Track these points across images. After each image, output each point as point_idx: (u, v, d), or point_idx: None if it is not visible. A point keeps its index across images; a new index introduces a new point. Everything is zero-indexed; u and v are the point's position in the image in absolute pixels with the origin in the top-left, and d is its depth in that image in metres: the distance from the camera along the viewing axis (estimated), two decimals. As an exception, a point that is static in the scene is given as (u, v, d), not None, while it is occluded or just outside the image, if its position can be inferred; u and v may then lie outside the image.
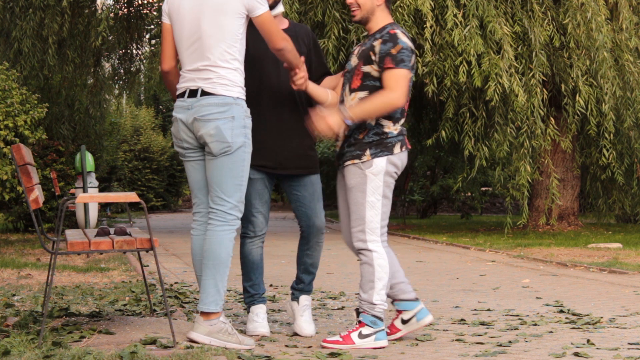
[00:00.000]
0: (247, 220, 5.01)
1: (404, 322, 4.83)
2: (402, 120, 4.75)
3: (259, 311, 5.04)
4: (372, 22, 4.75)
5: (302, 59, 4.75)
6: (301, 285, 5.18)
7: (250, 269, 5.10)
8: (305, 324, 5.03)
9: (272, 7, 4.91)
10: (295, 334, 5.01)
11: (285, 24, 5.07)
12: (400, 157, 4.71)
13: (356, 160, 4.66)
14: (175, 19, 4.64)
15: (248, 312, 5.09)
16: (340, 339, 4.59)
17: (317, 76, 5.05)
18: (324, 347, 4.57)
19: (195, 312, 4.84)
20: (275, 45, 4.58)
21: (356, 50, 4.86)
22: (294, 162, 4.97)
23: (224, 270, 4.54)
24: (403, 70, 4.60)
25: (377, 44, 4.66)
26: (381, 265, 4.64)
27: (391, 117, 4.69)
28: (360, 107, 4.63)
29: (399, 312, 4.85)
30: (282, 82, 4.89)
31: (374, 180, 4.64)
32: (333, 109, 4.72)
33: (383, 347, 4.60)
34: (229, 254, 4.54)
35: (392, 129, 4.69)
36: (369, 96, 4.66)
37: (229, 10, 4.50)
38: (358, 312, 4.68)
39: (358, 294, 4.70)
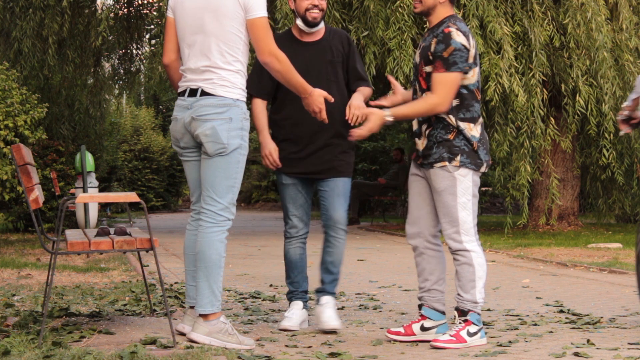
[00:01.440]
0: (285, 221, 5.25)
1: (424, 329, 4.80)
2: (480, 120, 4.72)
3: (294, 307, 5.21)
4: (432, 16, 4.73)
5: (312, 90, 4.71)
6: (323, 287, 5.24)
7: (289, 267, 5.28)
8: (328, 319, 5.08)
9: (319, 23, 5.10)
10: (295, 335, 5.01)
11: (320, 33, 5.17)
12: (479, 177, 4.75)
13: (445, 163, 4.65)
14: (178, 15, 4.65)
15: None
16: (453, 338, 4.58)
17: (351, 80, 5.19)
18: (435, 347, 4.55)
19: (186, 306, 4.84)
20: (259, 56, 4.55)
21: (420, 45, 4.84)
22: (323, 167, 5.14)
23: (216, 272, 4.53)
24: (453, 75, 4.57)
25: (433, 43, 4.63)
26: (480, 264, 4.65)
27: (468, 118, 4.66)
28: (403, 108, 4.67)
29: (423, 317, 4.83)
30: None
31: (463, 182, 4.65)
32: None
33: (484, 345, 4.63)
34: (220, 255, 4.54)
35: (473, 130, 4.67)
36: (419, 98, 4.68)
37: (228, 11, 4.50)
38: (462, 311, 4.66)
39: (458, 294, 4.68)
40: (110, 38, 16.08)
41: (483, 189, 22.17)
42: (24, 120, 10.03)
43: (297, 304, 5.23)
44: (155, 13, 17.03)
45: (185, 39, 4.62)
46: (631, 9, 13.11)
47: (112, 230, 5.02)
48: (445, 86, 4.57)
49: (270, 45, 4.53)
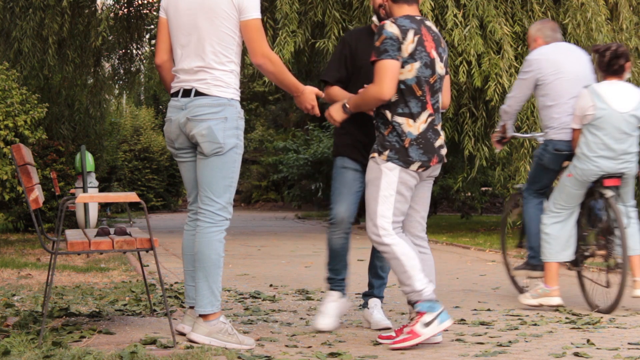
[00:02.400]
0: (331, 207, 5.18)
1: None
2: (424, 116, 4.64)
3: (328, 299, 5.18)
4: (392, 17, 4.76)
5: (303, 88, 4.76)
6: (371, 290, 5.32)
7: (330, 255, 5.24)
8: (379, 320, 5.15)
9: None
10: (295, 335, 5.01)
11: None
12: (413, 176, 4.66)
13: (375, 155, 4.68)
14: (172, 16, 4.64)
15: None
16: (408, 335, 4.53)
17: None
18: (392, 349, 4.50)
19: (185, 306, 4.84)
20: (253, 58, 4.54)
21: None
22: None
23: (215, 272, 4.53)
24: (385, 61, 4.55)
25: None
26: (405, 253, 4.59)
27: (406, 113, 4.62)
28: (355, 97, 4.77)
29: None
30: None
31: (388, 175, 4.62)
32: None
33: (448, 329, 4.61)
34: (219, 255, 4.54)
35: (412, 127, 4.63)
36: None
37: (221, 11, 4.49)
38: (412, 304, 4.62)
39: (401, 289, 4.66)
40: (110, 38, 16.07)
41: (483, 189, 22.15)
42: (24, 120, 10.03)
43: (332, 295, 5.18)
44: (155, 13, 17.05)
45: (179, 39, 4.62)
46: (631, 9, 13.10)
47: (112, 230, 5.02)
48: (379, 73, 4.58)
49: (263, 47, 4.52)
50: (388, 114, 4.66)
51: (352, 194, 5.13)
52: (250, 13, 4.51)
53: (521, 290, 6.58)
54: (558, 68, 6.04)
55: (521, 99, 6.21)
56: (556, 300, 6.05)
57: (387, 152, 4.64)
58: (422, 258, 4.81)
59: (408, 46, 4.59)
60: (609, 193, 5.85)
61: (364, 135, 5.11)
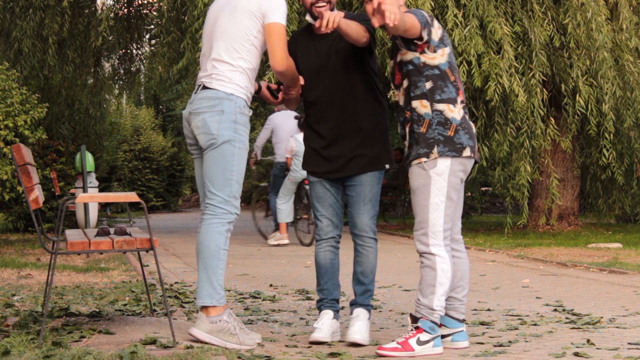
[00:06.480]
0: (315, 223, 4.97)
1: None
2: (461, 102, 4.53)
3: (323, 316, 4.83)
4: None
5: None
6: (354, 299, 4.90)
7: (318, 272, 4.93)
8: (352, 332, 4.71)
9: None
10: (295, 335, 5.01)
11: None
12: (465, 166, 4.52)
13: (423, 159, 4.48)
14: (206, 18, 4.80)
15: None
16: (399, 346, 4.41)
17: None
18: (380, 355, 4.38)
19: (196, 312, 4.84)
20: (273, 65, 4.56)
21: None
22: (340, 166, 4.79)
23: (215, 264, 4.54)
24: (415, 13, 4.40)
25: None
26: (444, 270, 4.46)
27: (445, 99, 4.48)
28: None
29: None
30: (330, 92, 4.74)
31: (438, 181, 4.46)
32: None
33: (439, 354, 4.46)
34: (218, 247, 4.55)
35: (453, 112, 4.49)
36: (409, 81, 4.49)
37: (244, 8, 4.59)
38: (415, 318, 4.50)
39: (417, 298, 4.51)
40: (110, 38, 16.07)
41: (483, 189, 22.16)
42: (24, 120, 10.02)
43: (327, 314, 4.83)
44: (155, 13, 17.04)
45: (204, 38, 4.77)
46: (631, 9, 13.10)
47: (112, 230, 5.03)
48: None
49: (284, 55, 4.56)
50: (426, 104, 4.48)
51: (328, 207, 4.86)
52: (270, 17, 4.56)
53: (265, 237, 12.45)
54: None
55: (263, 139, 12.42)
56: (285, 241, 11.89)
57: (435, 149, 4.46)
58: (456, 262, 4.65)
59: (437, 31, 4.48)
60: (307, 187, 9.20)
61: (318, 143, 4.85)
